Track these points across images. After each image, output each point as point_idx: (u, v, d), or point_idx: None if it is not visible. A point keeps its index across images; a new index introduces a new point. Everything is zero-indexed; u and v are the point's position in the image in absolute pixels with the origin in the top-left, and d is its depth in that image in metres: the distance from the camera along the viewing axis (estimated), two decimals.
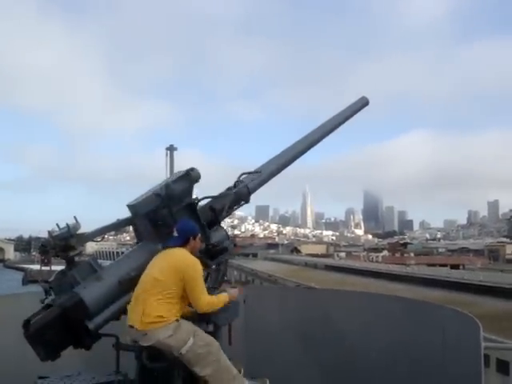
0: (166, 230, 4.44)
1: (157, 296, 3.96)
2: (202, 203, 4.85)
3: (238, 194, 5.17)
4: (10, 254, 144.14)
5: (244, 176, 5.36)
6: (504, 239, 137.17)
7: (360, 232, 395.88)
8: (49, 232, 4.32)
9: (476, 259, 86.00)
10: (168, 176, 7.22)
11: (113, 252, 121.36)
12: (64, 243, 4.25)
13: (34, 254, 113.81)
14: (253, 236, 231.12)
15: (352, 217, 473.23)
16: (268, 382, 4.40)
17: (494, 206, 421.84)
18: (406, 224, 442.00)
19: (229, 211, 5.10)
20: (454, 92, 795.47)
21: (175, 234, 4.23)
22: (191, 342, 3.97)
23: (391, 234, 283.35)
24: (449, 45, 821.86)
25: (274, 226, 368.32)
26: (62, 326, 4.03)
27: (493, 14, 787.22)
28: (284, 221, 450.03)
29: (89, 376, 4.83)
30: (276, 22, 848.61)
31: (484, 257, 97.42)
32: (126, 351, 4.45)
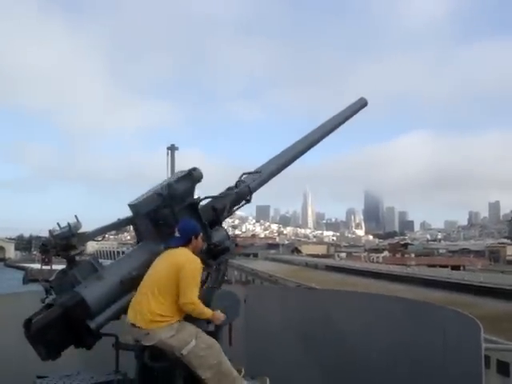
0: (167, 230, 4.44)
1: (160, 295, 3.96)
2: (202, 203, 4.85)
3: (240, 194, 5.17)
4: (11, 253, 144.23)
5: (245, 176, 5.37)
6: (505, 240, 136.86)
7: (361, 232, 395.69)
8: (50, 231, 4.32)
9: (477, 260, 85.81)
10: (169, 175, 7.22)
11: (113, 251, 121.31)
12: (65, 242, 4.24)
13: (34, 253, 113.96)
14: (253, 236, 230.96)
15: (353, 217, 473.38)
16: (268, 380, 4.39)
17: (494, 207, 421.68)
18: (407, 225, 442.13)
19: (230, 211, 5.10)
20: (454, 93, 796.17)
21: (177, 233, 4.23)
22: (193, 343, 3.97)
23: (392, 234, 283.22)
24: (449, 45, 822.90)
25: (274, 226, 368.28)
26: (64, 326, 4.03)
27: (492, 14, 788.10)
28: (285, 221, 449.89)
29: (88, 375, 4.82)
30: (276, 22, 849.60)
31: (485, 258, 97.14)
32: (126, 351, 4.46)
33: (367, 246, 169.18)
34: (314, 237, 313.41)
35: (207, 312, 4.09)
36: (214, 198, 5.00)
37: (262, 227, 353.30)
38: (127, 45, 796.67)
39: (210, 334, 4.22)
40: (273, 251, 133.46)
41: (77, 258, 4.39)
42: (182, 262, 4.04)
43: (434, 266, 71.67)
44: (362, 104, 6.88)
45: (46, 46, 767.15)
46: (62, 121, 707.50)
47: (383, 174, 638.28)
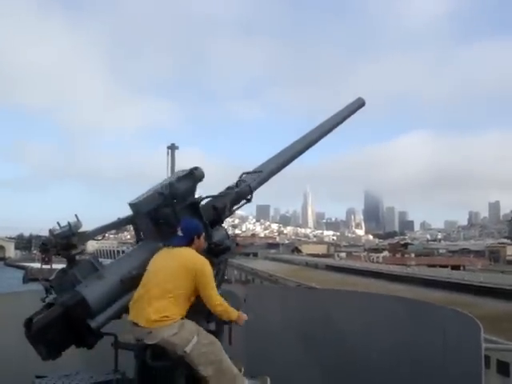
0: (167, 229, 4.44)
1: (163, 294, 3.95)
2: (203, 202, 4.85)
3: (241, 194, 5.17)
4: (11, 252, 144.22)
5: (245, 175, 5.37)
6: (505, 240, 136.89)
7: (361, 232, 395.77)
8: (50, 230, 4.31)
9: (476, 260, 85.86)
10: (169, 174, 7.22)
11: (113, 251, 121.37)
12: (65, 242, 4.23)
13: (34, 252, 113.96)
14: (253, 235, 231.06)
15: (353, 217, 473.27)
16: (269, 380, 4.39)
17: (494, 207, 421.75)
18: (407, 225, 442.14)
19: (231, 210, 5.10)
20: (454, 93, 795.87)
21: (180, 233, 4.23)
22: (195, 340, 3.98)
23: (392, 234, 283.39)
24: (448, 45, 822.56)
25: (274, 226, 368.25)
26: (65, 325, 4.02)
27: (492, 14, 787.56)
28: (285, 220, 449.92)
29: (87, 375, 4.81)
30: (276, 21, 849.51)
31: (485, 258, 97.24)
32: (124, 350, 4.46)
33: (367, 245, 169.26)
34: (314, 236, 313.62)
35: (235, 313, 4.15)
36: (214, 197, 5.00)
37: (262, 227, 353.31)
38: (127, 43, 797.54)
39: (210, 333, 4.22)
40: (273, 251, 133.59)
41: (77, 257, 4.39)
42: (193, 264, 4.04)
43: (434, 265, 71.69)
44: (359, 104, 6.91)
45: (45, 44, 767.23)
46: (61, 119, 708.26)
47: (383, 174, 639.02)
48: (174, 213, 4.45)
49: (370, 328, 6.08)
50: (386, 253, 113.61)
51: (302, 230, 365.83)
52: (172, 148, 10.47)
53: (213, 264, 4.47)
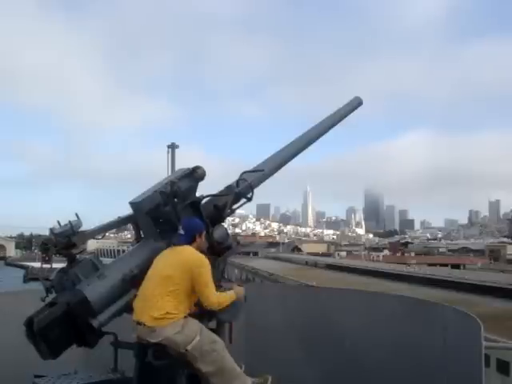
0: (168, 228, 4.45)
1: (166, 293, 3.97)
2: (204, 201, 4.85)
3: (241, 193, 5.17)
4: (11, 251, 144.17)
5: (245, 174, 5.37)
6: (505, 239, 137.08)
7: (361, 231, 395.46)
8: (51, 229, 4.31)
9: (477, 259, 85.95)
10: (169, 173, 7.21)
11: (113, 250, 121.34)
12: (66, 241, 4.24)
13: (35, 251, 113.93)
14: (254, 234, 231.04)
15: (353, 216, 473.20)
16: (270, 378, 4.39)
17: (495, 206, 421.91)
18: (407, 223, 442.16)
19: (231, 209, 5.10)
20: (454, 91, 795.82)
21: (181, 231, 4.23)
22: (198, 339, 3.99)
23: (392, 233, 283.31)
24: (448, 44, 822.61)
25: (274, 225, 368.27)
26: (67, 324, 4.02)
27: (492, 13, 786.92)
28: (285, 219, 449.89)
29: (86, 374, 4.82)
30: (276, 20, 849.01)
31: (485, 257, 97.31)
32: (124, 349, 4.45)
33: (367, 244, 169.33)
34: (315, 235, 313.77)
35: (231, 297, 4.21)
36: (215, 196, 5.00)
37: (263, 226, 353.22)
38: (127, 42, 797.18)
39: (211, 331, 4.23)
40: (273, 250, 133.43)
41: (77, 256, 4.38)
42: (191, 262, 4.06)
43: (434, 264, 71.73)
44: (357, 103, 6.96)
45: (45, 44, 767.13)
46: (62, 118, 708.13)
47: (383, 173, 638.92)
48: (175, 212, 4.46)
49: (370, 327, 6.08)
50: (386, 252, 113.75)
51: (302, 229, 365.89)
52: (172, 147, 10.41)
53: (213, 263, 4.47)
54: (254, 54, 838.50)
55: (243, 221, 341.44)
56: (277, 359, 6.18)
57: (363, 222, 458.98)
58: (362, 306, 6.44)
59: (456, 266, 70.74)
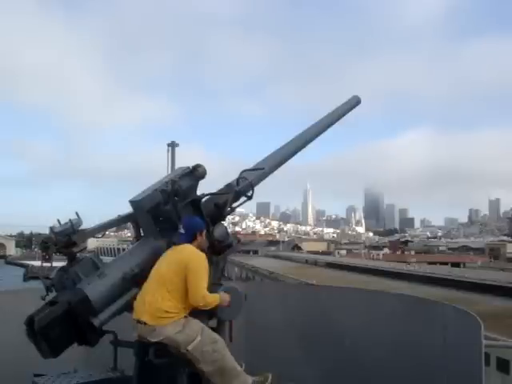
0: (168, 226, 4.45)
1: (166, 292, 3.98)
2: (204, 199, 4.85)
3: (242, 191, 5.17)
4: (12, 250, 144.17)
5: (245, 173, 5.37)
6: (505, 238, 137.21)
7: (361, 230, 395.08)
8: (51, 228, 4.30)
9: (477, 258, 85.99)
10: (169, 172, 7.22)
11: (114, 248, 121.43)
12: (66, 239, 4.23)
13: (35, 250, 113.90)
14: (254, 233, 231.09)
15: (353, 214, 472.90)
16: (270, 376, 4.40)
17: (495, 204, 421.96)
18: (407, 222, 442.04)
19: (232, 208, 5.10)
20: (454, 90, 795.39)
21: (181, 230, 4.23)
22: (198, 338, 4.00)
23: (392, 231, 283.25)
24: (448, 42, 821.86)
25: (275, 223, 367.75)
26: (68, 323, 4.01)
27: (491, 11, 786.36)
28: (285, 218, 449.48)
29: (86, 373, 4.81)
30: (275, 18, 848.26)
31: (485, 255, 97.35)
32: (123, 348, 4.45)
33: (367, 243, 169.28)
34: (315, 234, 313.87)
35: (216, 300, 4.11)
36: (216, 194, 5.00)
37: (263, 224, 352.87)
38: (126, 41, 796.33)
39: (211, 329, 4.24)
40: (273, 248, 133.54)
41: (78, 255, 4.38)
42: (187, 259, 4.06)
43: (434, 263, 71.78)
44: (355, 102, 7.00)
45: (45, 43, 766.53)
46: (61, 117, 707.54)
47: (383, 171, 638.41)
48: (176, 210, 4.46)
49: (369, 325, 6.08)
50: (386, 250, 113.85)
51: (302, 228, 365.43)
52: (172, 145, 10.41)
53: (213, 261, 4.48)
54: (254, 53, 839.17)
55: (243, 219, 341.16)
56: (277, 357, 6.19)
57: (363, 221, 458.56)
58: (362, 304, 6.44)
59: (456, 265, 70.78)
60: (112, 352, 4.65)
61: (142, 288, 4.16)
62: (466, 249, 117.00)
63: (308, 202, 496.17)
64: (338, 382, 6.00)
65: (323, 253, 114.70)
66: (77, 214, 4.35)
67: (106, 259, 4.97)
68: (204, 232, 4.37)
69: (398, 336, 5.77)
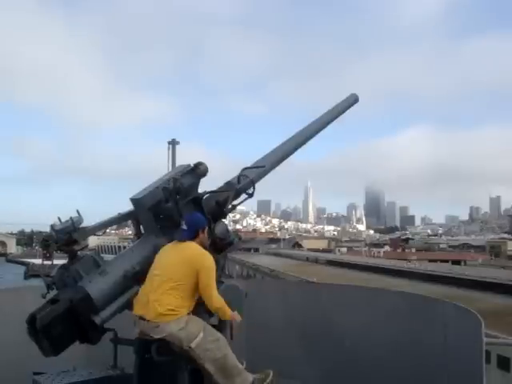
0: (169, 224, 4.45)
1: (170, 289, 3.97)
2: (205, 197, 4.85)
3: (243, 189, 5.17)
4: (12, 248, 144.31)
5: (246, 171, 5.36)
6: (506, 235, 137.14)
7: (362, 227, 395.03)
8: (51, 226, 4.30)
9: (477, 255, 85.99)
10: (170, 169, 7.21)
11: (114, 246, 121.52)
12: (67, 237, 4.23)
13: (36, 248, 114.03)
14: (254, 231, 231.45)
15: (354, 212, 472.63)
16: (272, 373, 4.40)
17: (495, 202, 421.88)
18: (408, 219, 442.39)
19: (233, 206, 5.10)
20: (454, 87, 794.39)
21: (184, 227, 4.23)
22: (201, 335, 4.00)
23: (393, 229, 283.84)
24: (449, 40, 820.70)
25: (275, 221, 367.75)
26: (70, 321, 4.01)
27: (491, 9, 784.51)
28: (286, 216, 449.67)
29: (85, 371, 4.80)
30: (275, 16, 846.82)
31: (485, 253, 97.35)
32: (123, 345, 4.45)
33: (368, 240, 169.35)
34: (315, 231, 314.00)
35: (228, 312, 4.13)
36: (217, 192, 5.00)
37: (263, 222, 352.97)
38: (126, 39, 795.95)
39: (212, 327, 4.24)
40: (274, 246, 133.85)
41: (79, 252, 4.38)
42: (197, 260, 4.06)
43: (434, 260, 71.81)
44: (353, 100, 7.08)
45: (45, 41, 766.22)
46: (61, 115, 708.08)
47: (384, 169, 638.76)
48: (177, 208, 4.46)
49: (370, 323, 6.08)
50: (386, 248, 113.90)
51: (302, 225, 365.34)
52: (173, 143, 10.43)
53: (216, 259, 4.48)
54: (254, 51, 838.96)
55: (244, 217, 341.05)
56: (277, 355, 6.18)
57: (364, 218, 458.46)
58: (363, 302, 6.44)
59: (457, 262, 70.78)
60: (112, 350, 4.64)
61: (143, 284, 4.15)
62: (466, 246, 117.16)
63: (309, 200, 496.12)
64: (338, 379, 5.99)
65: (324, 250, 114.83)
66: (78, 211, 4.34)
67: (107, 257, 4.97)
68: (206, 229, 4.36)
69: (398, 334, 5.76)
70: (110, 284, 4.23)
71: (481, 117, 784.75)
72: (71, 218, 4.27)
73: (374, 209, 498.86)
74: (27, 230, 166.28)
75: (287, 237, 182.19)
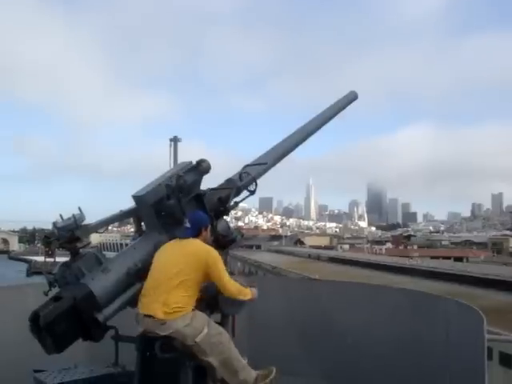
0: (171, 221, 4.45)
1: (175, 286, 3.96)
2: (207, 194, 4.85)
3: (245, 186, 5.17)
4: (15, 245, 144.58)
5: (247, 168, 5.37)
6: (508, 232, 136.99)
7: (364, 224, 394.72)
8: (53, 223, 4.30)
9: (479, 252, 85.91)
10: (171, 167, 7.22)
11: (116, 243, 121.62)
12: (69, 234, 4.23)
13: (38, 245, 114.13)
14: (256, 228, 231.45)
15: (356, 209, 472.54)
16: (275, 370, 4.40)
17: (497, 198, 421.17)
18: (410, 216, 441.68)
19: (235, 203, 5.11)
20: (455, 84, 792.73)
21: (187, 224, 4.24)
22: (205, 330, 4.00)
23: (395, 226, 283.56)
24: (449, 37, 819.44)
25: (277, 218, 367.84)
26: (73, 318, 4.00)
27: (491, 6, 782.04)
28: (287, 213, 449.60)
29: (87, 369, 4.80)
30: (276, 13, 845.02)
31: (487, 250, 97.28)
32: (125, 343, 4.45)
33: (370, 237, 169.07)
34: (317, 228, 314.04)
35: (250, 293, 4.28)
36: (219, 189, 5.00)
37: (265, 219, 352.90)
38: (127, 37, 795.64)
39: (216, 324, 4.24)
40: (276, 243, 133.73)
41: (81, 250, 4.38)
42: (203, 254, 4.07)
43: (436, 257, 71.75)
44: (352, 97, 7.19)
45: (46, 38, 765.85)
46: (62, 113, 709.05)
47: (386, 166, 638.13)
48: (180, 205, 4.46)
49: (372, 320, 6.08)
50: (388, 245, 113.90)
51: (304, 222, 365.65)
52: (175, 140, 10.45)
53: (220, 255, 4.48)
54: (254, 49, 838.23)
55: (246, 214, 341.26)
56: (279, 352, 6.19)
57: (366, 215, 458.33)
58: (365, 299, 6.44)
59: (459, 259, 70.71)
60: (113, 347, 4.64)
61: (147, 282, 4.15)
62: (468, 243, 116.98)
63: (310, 197, 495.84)
64: (340, 376, 6.00)
65: (326, 247, 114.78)
66: (79, 209, 4.34)
67: (109, 254, 4.97)
68: (209, 227, 4.37)
69: (400, 330, 5.77)
70: (112, 281, 4.22)
71: (482, 113, 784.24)
72: (73, 215, 4.27)
73: (376, 206, 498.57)
74: (29, 227, 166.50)
75: (289, 234, 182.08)
